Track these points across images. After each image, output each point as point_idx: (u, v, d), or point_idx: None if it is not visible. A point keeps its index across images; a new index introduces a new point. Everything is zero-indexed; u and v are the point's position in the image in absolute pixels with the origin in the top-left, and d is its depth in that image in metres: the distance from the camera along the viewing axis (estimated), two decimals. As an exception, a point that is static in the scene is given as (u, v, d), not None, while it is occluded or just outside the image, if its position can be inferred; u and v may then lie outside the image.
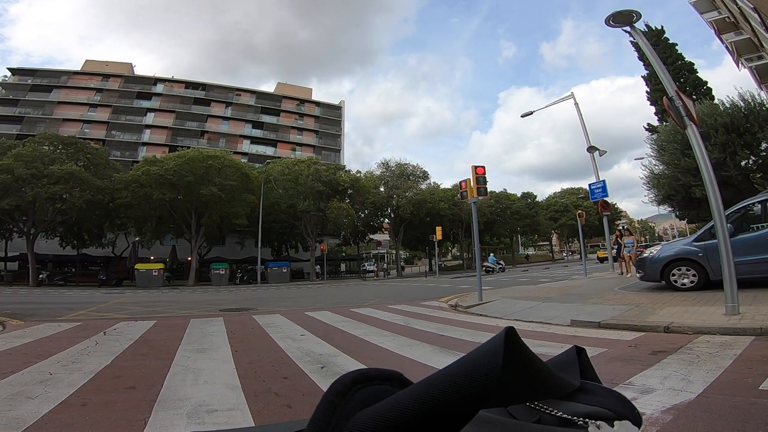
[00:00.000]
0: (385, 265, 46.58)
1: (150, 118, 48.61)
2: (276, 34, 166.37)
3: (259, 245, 29.11)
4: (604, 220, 16.39)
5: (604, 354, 4.10)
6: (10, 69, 47.48)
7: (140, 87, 50.32)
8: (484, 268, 32.92)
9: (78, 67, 50.16)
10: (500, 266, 32.12)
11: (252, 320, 7.94)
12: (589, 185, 17.01)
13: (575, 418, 0.43)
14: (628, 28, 6.63)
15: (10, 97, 44.82)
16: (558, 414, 0.44)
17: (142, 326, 6.88)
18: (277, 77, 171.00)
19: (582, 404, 0.45)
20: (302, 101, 58.77)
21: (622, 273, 13.60)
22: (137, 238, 29.64)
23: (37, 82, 46.52)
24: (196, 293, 19.04)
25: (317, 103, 60.06)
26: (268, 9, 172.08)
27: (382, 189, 37.47)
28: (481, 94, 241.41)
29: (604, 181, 16.22)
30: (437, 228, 29.28)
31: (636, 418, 0.44)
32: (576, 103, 18.39)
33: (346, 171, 36.80)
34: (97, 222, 27.99)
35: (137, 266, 25.96)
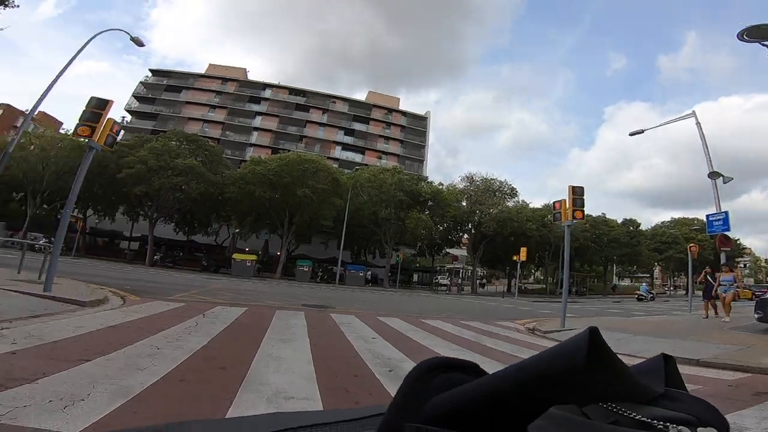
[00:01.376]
0: (459, 280, 45.54)
1: (258, 121, 52.97)
2: (369, 44, 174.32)
3: (341, 247, 30.49)
4: (722, 256, 14.10)
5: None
6: (151, 70, 55.46)
7: (251, 91, 54.82)
8: (636, 297, 32.06)
9: (202, 70, 56.83)
10: (651, 295, 33.22)
11: (329, 318, 8.42)
12: (707, 216, 14.73)
13: (654, 421, 0.41)
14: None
15: (150, 95, 52.37)
16: (636, 417, 0.42)
17: (235, 312, 7.66)
18: (369, 85, 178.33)
19: (662, 408, 0.43)
20: (390, 110, 59.87)
21: (707, 315, 11.62)
22: (237, 230, 33.05)
23: (171, 83, 53.40)
24: (281, 286, 20.57)
25: (404, 113, 60.83)
26: (363, 18, 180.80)
27: (464, 203, 36.80)
28: (583, 108, 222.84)
29: (726, 212, 13.97)
30: (522, 248, 28.04)
31: (722, 426, 0.41)
32: (698, 122, 16.16)
33: (428, 182, 36.92)
34: (206, 212, 31.81)
35: (234, 256, 28.87)
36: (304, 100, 56.56)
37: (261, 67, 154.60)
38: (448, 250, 43.83)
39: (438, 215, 34.70)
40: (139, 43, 12.81)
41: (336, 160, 49.60)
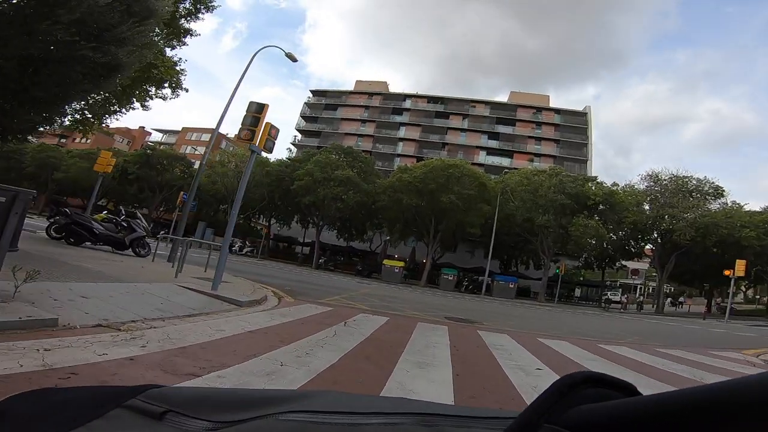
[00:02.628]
0: (640, 297, 37.63)
1: (402, 132, 54.86)
2: (502, 45, 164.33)
3: (490, 256, 28.53)
4: None
5: None
6: (311, 91, 63.13)
7: (394, 103, 56.66)
8: None
9: (351, 88, 61.03)
10: None
11: (477, 336, 7.18)
12: None
13: None
14: None
15: (312, 114, 59.36)
16: None
17: (376, 322, 7.14)
18: (508, 87, 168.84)
19: None
20: (539, 109, 55.33)
21: None
22: (388, 237, 34.40)
23: (328, 101, 58.70)
24: (425, 295, 20.05)
25: (556, 111, 55.15)
26: (491, 21, 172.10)
27: (647, 207, 30.36)
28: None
29: None
30: (738, 261, 21.63)
31: None
32: None
33: (597, 183, 31.77)
34: (361, 220, 34.06)
35: (384, 262, 29.98)
36: (443, 107, 56.41)
37: (400, 79, 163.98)
38: (623, 262, 36.83)
39: (612, 221, 29.27)
40: (293, 58, 14.28)
41: (481, 165, 47.75)
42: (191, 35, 12.91)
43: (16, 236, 4.03)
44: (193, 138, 65.29)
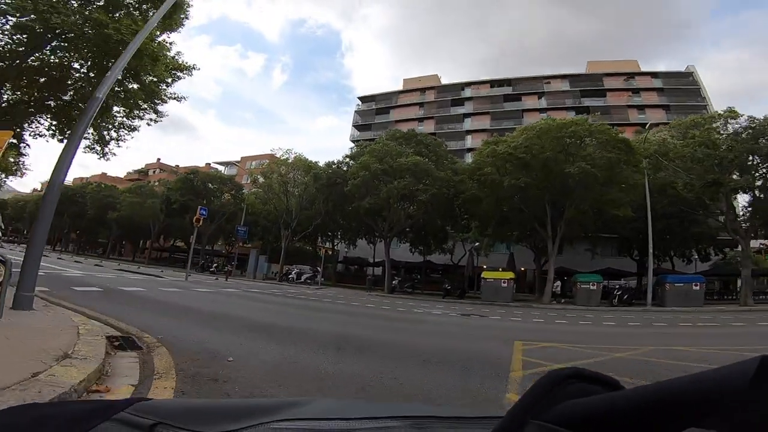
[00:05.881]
0: None
1: (468, 124, 48.80)
2: (552, 33, 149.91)
3: (650, 250, 19.08)
4: None
5: None
6: (359, 97, 58.90)
7: (452, 95, 51.45)
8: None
9: (399, 87, 56.46)
10: None
11: None
12: None
13: None
14: None
15: (365, 122, 54.69)
16: None
17: None
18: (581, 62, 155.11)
19: None
20: (630, 75, 46.96)
21: None
22: (476, 243, 25.98)
23: (379, 105, 54.60)
24: (590, 320, 11.74)
25: (653, 74, 46.86)
26: (535, 11, 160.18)
27: None
28: None
29: None
30: None
31: None
32: None
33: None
34: (440, 219, 25.99)
35: (484, 274, 21.60)
36: (511, 89, 49.95)
37: (451, 71, 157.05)
38: None
39: None
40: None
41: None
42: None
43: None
44: (252, 166, 62.91)
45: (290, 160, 32.38)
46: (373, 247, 32.10)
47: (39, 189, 68.33)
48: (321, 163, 31.04)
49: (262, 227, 36.30)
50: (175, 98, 13.80)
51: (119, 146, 14.91)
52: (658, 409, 0.30)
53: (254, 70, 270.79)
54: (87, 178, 58.47)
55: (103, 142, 14.86)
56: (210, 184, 40.13)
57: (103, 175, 64.47)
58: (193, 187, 39.08)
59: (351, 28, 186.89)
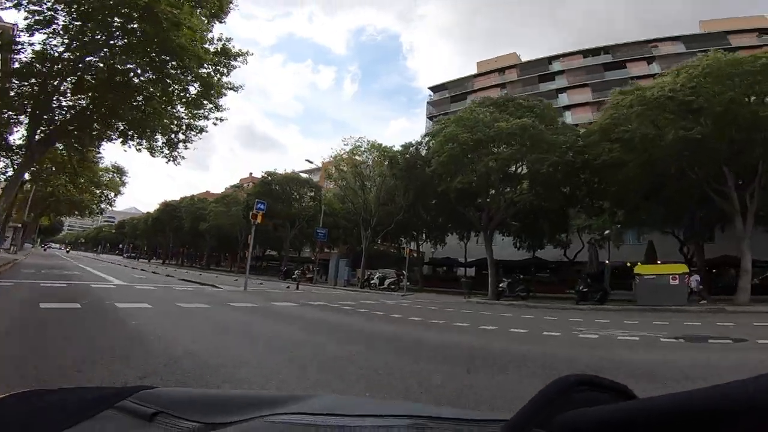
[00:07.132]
0: None
1: (564, 99, 43.19)
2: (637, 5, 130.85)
3: None
4: None
5: None
6: (429, 87, 55.41)
7: (537, 71, 46.54)
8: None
9: (473, 71, 52.06)
10: None
11: None
12: None
13: None
14: None
15: (439, 112, 49.98)
16: None
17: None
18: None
19: None
20: (763, 30, 38.38)
21: None
22: (605, 232, 20.27)
23: (453, 93, 50.87)
24: None
25: None
26: None
27: None
28: None
29: None
30: None
31: None
32: None
33: None
34: (561, 207, 20.97)
35: (637, 269, 15.98)
36: (611, 57, 44.07)
37: (528, 53, 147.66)
38: None
39: None
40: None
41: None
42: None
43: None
44: (334, 171, 61.68)
45: (363, 147, 29.72)
46: (465, 243, 28.01)
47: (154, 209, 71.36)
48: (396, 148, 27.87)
49: (343, 229, 34.15)
50: (232, 88, 14.15)
51: (187, 148, 15.40)
52: (681, 422, 0.28)
53: (326, 83, 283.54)
54: (195, 195, 61.17)
55: (170, 145, 15.26)
56: (288, 187, 39.29)
57: (207, 192, 67.32)
58: (272, 191, 38.35)
59: (410, 29, 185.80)
